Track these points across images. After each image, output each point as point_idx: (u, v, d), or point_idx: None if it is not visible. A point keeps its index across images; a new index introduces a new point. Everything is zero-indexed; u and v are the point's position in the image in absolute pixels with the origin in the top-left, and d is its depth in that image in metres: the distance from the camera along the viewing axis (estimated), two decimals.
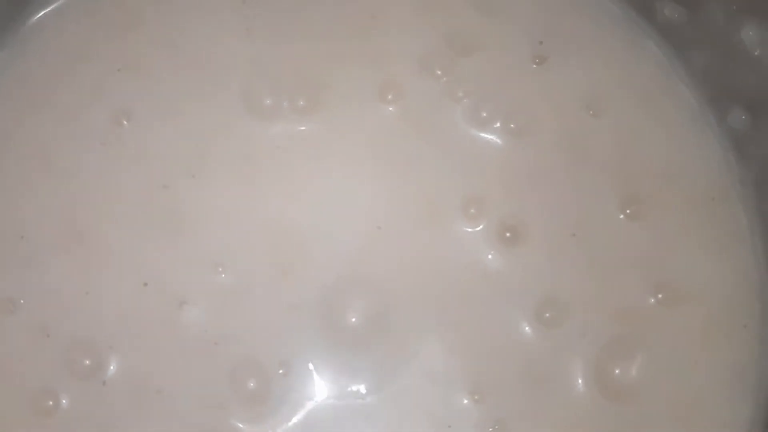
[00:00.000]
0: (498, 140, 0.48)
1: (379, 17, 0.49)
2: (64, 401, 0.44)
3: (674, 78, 0.50)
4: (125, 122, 0.48)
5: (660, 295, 0.46)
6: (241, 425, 0.44)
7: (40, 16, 0.50)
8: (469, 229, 0.47)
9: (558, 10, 0.50)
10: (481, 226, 0.47)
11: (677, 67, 0.50)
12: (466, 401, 0.45)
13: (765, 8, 0.45)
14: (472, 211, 0.47)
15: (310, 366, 0.45)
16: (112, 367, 0.45)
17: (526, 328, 0.46)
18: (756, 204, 0.48)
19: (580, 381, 0.45)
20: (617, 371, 0.45)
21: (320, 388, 0.45)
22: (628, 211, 0.47)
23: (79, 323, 0.45)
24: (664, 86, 0.49)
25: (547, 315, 0.46)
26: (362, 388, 0.45)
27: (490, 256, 0.47)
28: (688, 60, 0.49)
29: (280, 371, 0.45)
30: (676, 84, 0.49)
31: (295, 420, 0.45)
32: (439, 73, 0.49)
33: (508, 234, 0.47)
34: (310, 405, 0.45)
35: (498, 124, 0.48)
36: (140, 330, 0.45)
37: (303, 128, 0.48)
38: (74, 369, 0.45)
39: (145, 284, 0.46)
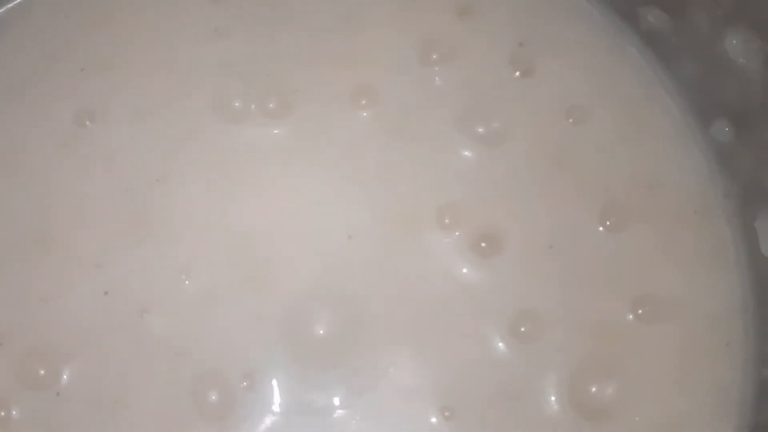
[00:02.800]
0: (475, 147, 0.48)
1: (354, 20, 0.49)
2: (14, 412, 0.44)
3: (657, 87, 0.49)
4: (88, 123, 0.48)
5: (639, 311, 0.46)
6: None
7: (3, 12, 0.50)
8: (443, 240, 0.46)
9: (539, 16, 0.50)
10: (455, 236, 0.46)
11: (660, 76, 0.49)
12: (435, 419, 0.44)
13: (749, 17, 0.44)
14: (447, 220, 0.46)
15: (275, 380, 0.44)
16: (66, 377, 0.44)
17: (500, 343, 0.45)
18: (740, 217, 0.47)
19: (554, 399, 0.44)
20: (594, 389, 0.45)
21: (285, 403, 0.44)
22: (607, 223, 0.47)
23: (34, 331, 0.45)
24: (647, 95, 0.49)
25: (522, 329, 0.45)
26: (330, 403, 0.44)
27: (465, 270, 0.46)
28: (671, 68, 0.49)
29: (244, 384, 0.44)
30: (659, 93, 0.49)
31: None
32: (414, 78, 0.48)
33: (483, 244, 0.46)
34: (274, 420, 0.44)
35: (475, 131, 0.48)
36: (99, 339, 0.45)
37: (275, 132, 0.48)
38: (27, 379, 0.44)
39: (106, 293, 0.45)
